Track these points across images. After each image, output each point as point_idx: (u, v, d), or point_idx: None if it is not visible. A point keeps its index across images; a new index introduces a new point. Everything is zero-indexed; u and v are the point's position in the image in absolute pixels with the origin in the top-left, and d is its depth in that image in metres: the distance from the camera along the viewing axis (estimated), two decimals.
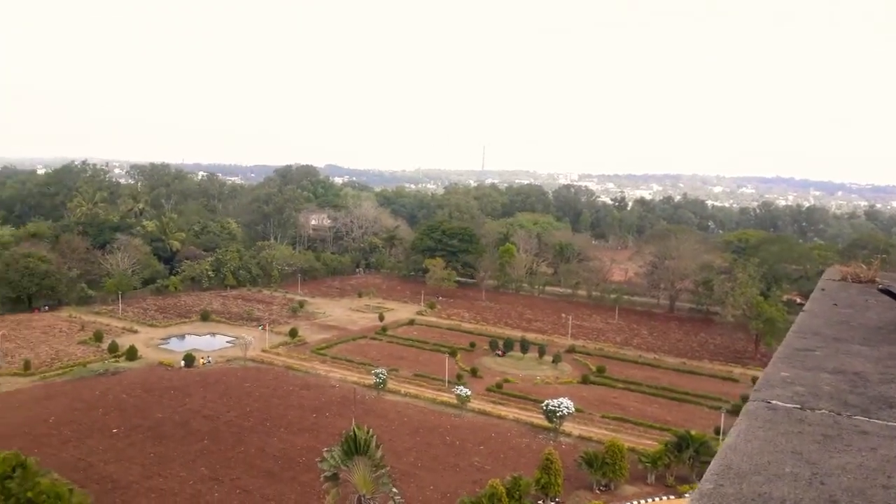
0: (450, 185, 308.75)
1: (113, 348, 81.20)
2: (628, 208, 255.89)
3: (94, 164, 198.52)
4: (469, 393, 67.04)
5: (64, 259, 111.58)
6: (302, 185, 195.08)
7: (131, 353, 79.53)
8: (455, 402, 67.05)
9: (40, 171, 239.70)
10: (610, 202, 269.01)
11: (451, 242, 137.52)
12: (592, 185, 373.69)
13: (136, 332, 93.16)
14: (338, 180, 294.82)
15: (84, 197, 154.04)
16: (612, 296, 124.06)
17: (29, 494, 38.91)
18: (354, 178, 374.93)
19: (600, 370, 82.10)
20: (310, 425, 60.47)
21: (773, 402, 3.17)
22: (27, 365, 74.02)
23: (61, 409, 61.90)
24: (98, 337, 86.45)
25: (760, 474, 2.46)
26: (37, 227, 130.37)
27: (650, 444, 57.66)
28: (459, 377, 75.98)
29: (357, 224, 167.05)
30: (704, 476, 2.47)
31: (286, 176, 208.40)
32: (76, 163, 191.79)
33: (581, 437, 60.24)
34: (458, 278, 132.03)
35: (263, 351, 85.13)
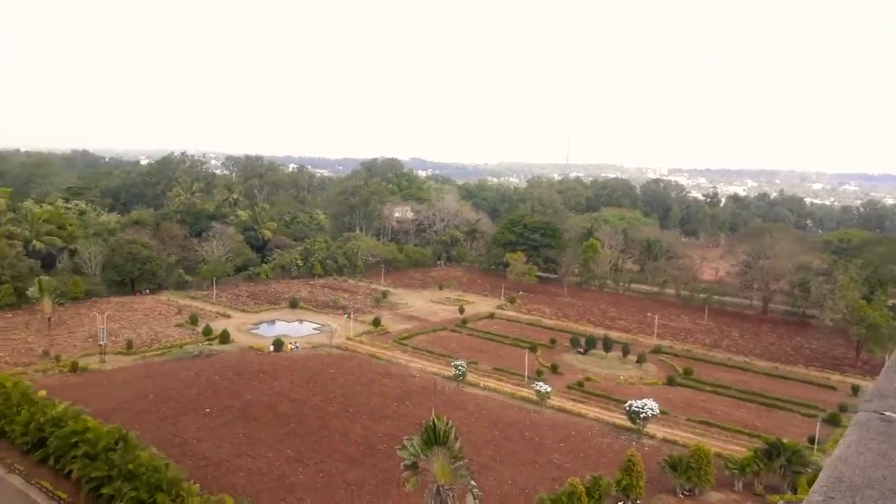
0: (532, 179, 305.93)
1: (207, 332, 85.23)
2: (721, 204, 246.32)
3: (192, 156, 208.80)
4: (549, 389, 66.42)
5: (163, 245, 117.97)
6: (387, 178, 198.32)
7: (224, 337, 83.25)
8: (534, 398, 66.61)
9: (143, 162, 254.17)
10: (701, 198, 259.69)
11: (532, 236, 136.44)
12: (683, 180, 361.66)
13: (228, 316, 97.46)
14: (421, 173, 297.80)
15: (182, 187, 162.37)
16: (702, 295, 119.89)
17: (130, 466, 41.45)
18: (437, 172, 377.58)
19: (687, 372, 79.56)
20: (391, 413, 61.56)
21: (888, 413, 2.97)
22: (129, 345, 78.78)
23: (159, 387, 65.52)
24: (194, 320, 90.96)
25: (875, 488, 2.31)
26: (139, 215, 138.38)
27: (738, 450, 55.45)
28: (539, 373, 75.41)
29: (439, 217, 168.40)
30: (813, 488, 2.34)
31: (372, 169, 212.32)
32: (176, 154, 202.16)
33: (665, 440, 58.60)
34: (539, 273, 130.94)
35: (348, 339, 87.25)
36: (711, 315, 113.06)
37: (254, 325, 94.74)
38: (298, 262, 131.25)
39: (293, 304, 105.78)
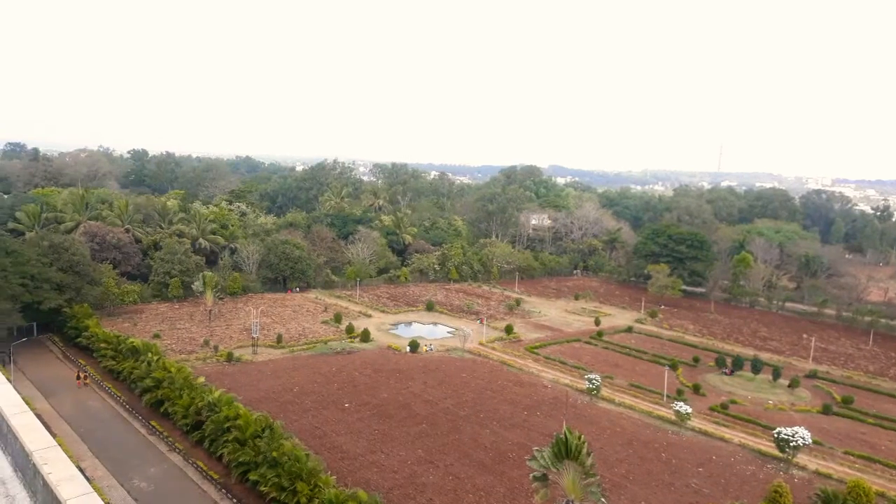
0: (679, 187, 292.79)
1: (350, 330, 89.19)
2: (894, 219, 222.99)
3: (343, 163, 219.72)
4: (690, 410, 63.12)
5: (314, 246, 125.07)
6: (525, 185, 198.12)
7: (365, 336, 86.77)
8: (673, 418, 63.56)
9: (298, 168, 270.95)
10: (870, 211, 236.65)
11: (678, 248, 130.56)
12: (849, 192, 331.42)
13: (369, 316, 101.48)
14: (560, 180, 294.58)
15: (333, 192, 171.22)
16: (867, 318, 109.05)
17: (274, 454, 44.15)
18: (577, 179, 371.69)
19: (846, 400, 72.60)
20: (521, 422, 61.21)
21: None
22: (279, 339, 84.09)
23: (304, 380, 69.37)
24: (338, 318, 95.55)
25: None
26: (293, 218, 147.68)
27: None
28: (680, 392, 71.88)
29: (577, 225, 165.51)
30: None
31: (510, 176, 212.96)
32: (328, 161, 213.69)
33: (817, 473, 53.78)
34: (683, 287, 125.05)
35: (480, 344, 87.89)
36: (878, 340, 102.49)
37: (392, 325, 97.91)
38: (436, 266, 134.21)
39: (429, 307, 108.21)
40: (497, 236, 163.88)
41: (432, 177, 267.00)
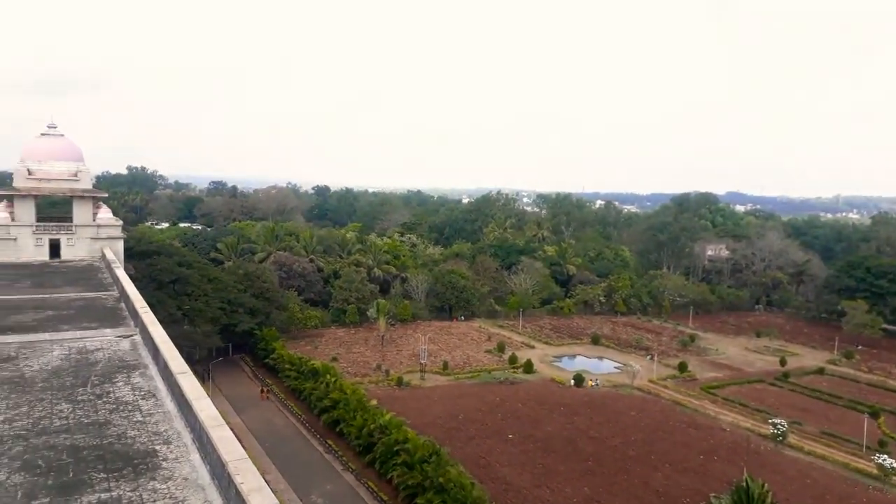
0: (878, 214, 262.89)
1: (512, 360, 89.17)
2: None
3: (506, 194, 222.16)
4: (895, 464, 55.81)
5: (478, 276, 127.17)
6: (699, 214, 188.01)
7: (528, 367, 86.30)
8: (875, 472, 56.45)
9: (464, 201, 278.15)
10: None
11: (878, 282, 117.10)
12: None
13: (532, 347, 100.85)
14: (739, 208, 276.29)
15: (497, 223, 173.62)
16: None
17: (440, 480, 44.91)
18: (759, 206, 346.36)
19: None
20: (696, 466, 57.38)
21: None
22: (445, 366, 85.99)
23: (469, 408, 70.16)
24: (501, 348, 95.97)
25: None
26: (459, 248, 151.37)
27: None
28: (883, 444, 63.75)
29: (759, 256, 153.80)
30: None
31: (683, 204, 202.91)
32: (492, 193, 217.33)
33: None
34: (884, 325, 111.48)
35: (650, 381, 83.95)
36: None
37: (555, 357, 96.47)
38: (601, 298, 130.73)
39: (595, 341, 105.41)
40: (668, 268, 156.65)
41: (598, 206, 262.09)
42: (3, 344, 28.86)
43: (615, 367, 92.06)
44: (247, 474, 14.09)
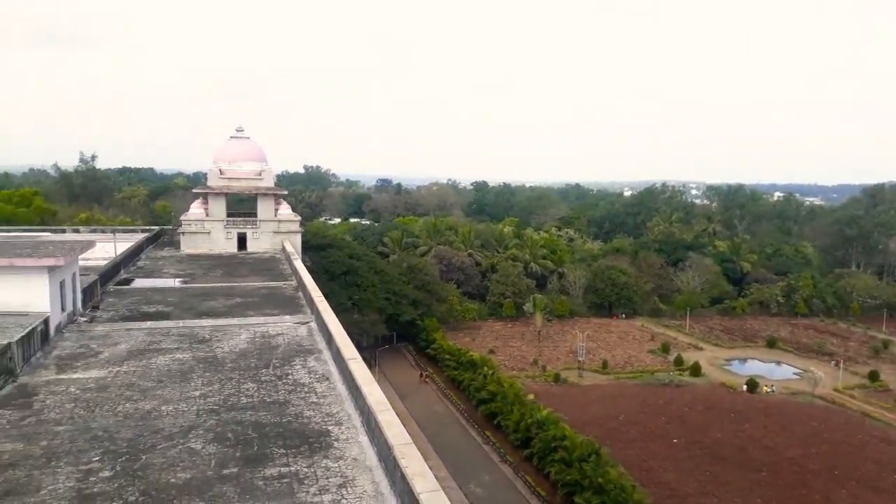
0: None
1: (678, 362, 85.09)
2: None
3: (673, 186, 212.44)
4: None
5: (640, 273, 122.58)
6: None
7: (695, 370, 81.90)
8: None
9: (626, 194, 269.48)
10: None
11: None
12: None
13: (700, 349, 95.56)
14: None
15: (662, 217, 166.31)
16: None
17: (600, 480, 43.95)
18: None
19: None
20: (890, 486, 51.49)
21: None
22: (604, 364, 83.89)
23: (629, 409, 67.95)
24: (665, 349, 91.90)
25: None
26: (620, 243, 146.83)
27: None
28: None
29: None
30: None
31: (876, 196, 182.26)
32: (657, 185, 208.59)
33: None
34: None
35: (835, 390, 76.46)
36: None
37: (726, 360, 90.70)
38: (779, 298, 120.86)
39: (770, 344, 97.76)
40: (858, 266, 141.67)
41: (776, 198, 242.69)
42: (200, 327, 32.21)
43: (794, 374, 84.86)
44: (411, 459, 14.64)
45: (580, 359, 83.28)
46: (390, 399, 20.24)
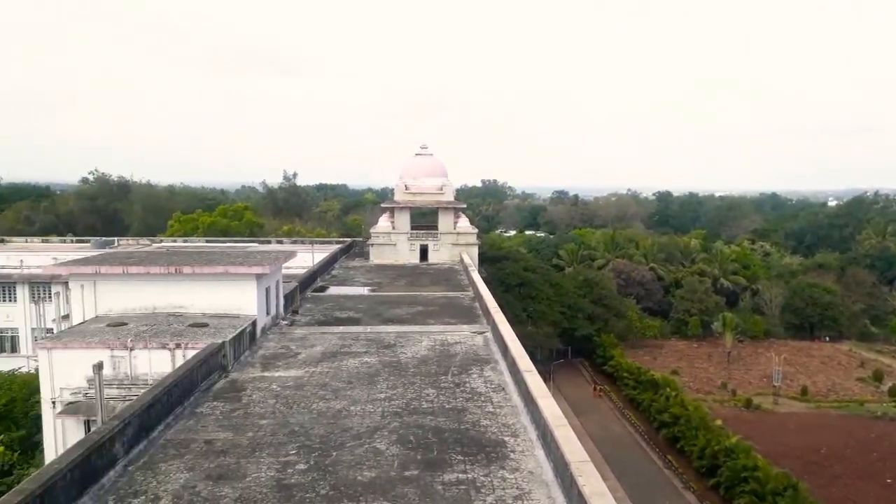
0: None
1: (893, 392, 75.34)
2: None
3: (887, 196, 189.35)
4: None
5: (848, 292, 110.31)
6: None
7: None
8: None
9: (831, 203, 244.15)
10: None
11: None
12: None
13: None
14: None
15: (874, 229, 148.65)
16: None
17: None
18: None
19: None
20: None
21: None
22: (804, 391, 76.36)
23: (832, 442, 61.24)
24: (878, 377, 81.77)
25: None
26: (824, 259, 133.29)
27: None
28: None
29: None
30: None
31: None
32: (868, 194, 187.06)
33: None
34: None
35: None
36: None
37: None
38: None
39: None
40: None
41: None
42: (386, 333, 34.03)
43: None
44: (589, 477, 14.32)
45: (776, 384, 76.51)
46: (565, 414, 19.98)
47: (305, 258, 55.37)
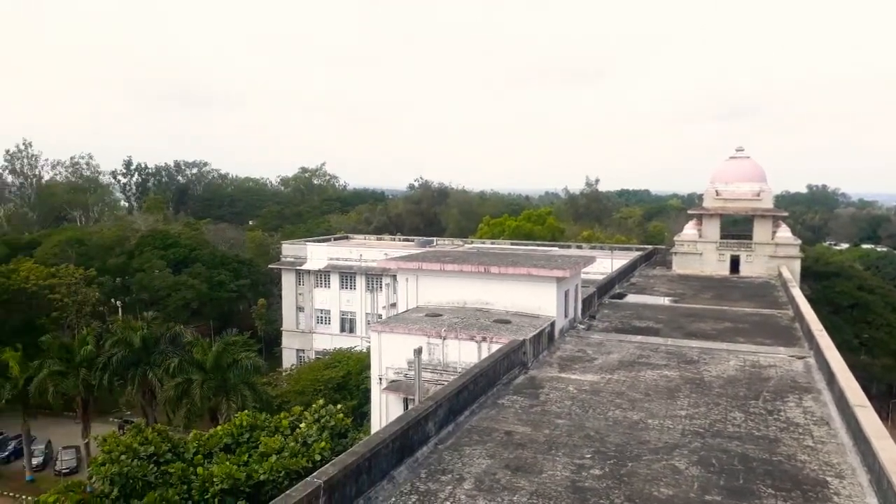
0: None
1: None
2: None
3: None
4: None
5: None
6: None
7: None
8: None
9: None
10: None
11: None
12: None
13: None
14: None
15: None
16: None
17: None
18: None
19: None
20: None
21: None
22: None
23: None
24: None
25: None
26: None
27: None
28: None
29: None
30: None
31: None
32: None
33: None
34: None
35: None
36: None
37: None
38: None
39: None
40: None
41: None
42: (688, 347, 32.29)
43: None
44: None
45: None
46: None
47: (604, 264, 55.14)
